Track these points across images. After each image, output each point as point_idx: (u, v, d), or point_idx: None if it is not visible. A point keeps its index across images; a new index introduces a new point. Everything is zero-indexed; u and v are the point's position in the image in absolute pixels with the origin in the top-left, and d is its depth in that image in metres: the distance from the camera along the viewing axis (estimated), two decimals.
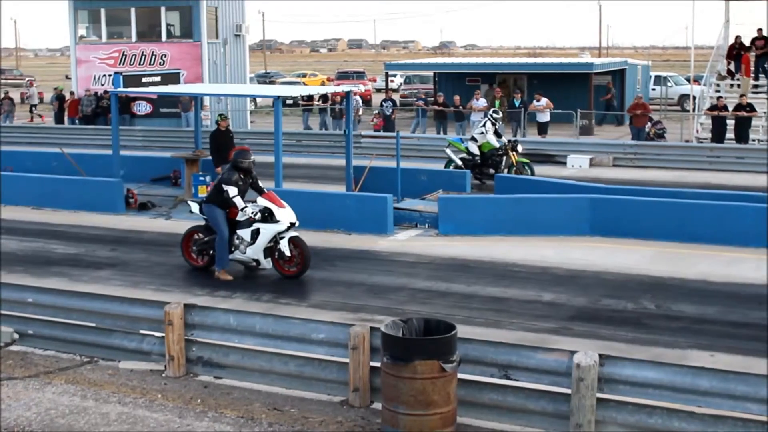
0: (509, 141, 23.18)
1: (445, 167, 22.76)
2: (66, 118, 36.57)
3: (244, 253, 14.14)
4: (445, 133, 31.48)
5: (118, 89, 21.56)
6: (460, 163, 22.57)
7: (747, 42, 30.88)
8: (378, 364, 8.56)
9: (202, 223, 14.63)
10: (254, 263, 14.26)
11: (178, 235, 15.55)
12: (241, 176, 14.10)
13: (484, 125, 23.18)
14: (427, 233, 17.31)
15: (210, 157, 20.89)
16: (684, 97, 42.16)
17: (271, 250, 14.09)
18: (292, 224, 14.02)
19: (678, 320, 11.96)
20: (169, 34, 35.94)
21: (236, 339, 9.77)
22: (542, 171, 23.17)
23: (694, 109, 32.87)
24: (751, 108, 27.87)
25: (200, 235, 14.62)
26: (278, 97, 19.35)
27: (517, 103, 32.21)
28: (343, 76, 61.18)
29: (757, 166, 24.65)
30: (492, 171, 22.18)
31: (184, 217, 18.19)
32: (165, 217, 19.17)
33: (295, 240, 14.07)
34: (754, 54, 30.59)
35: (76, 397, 9.31)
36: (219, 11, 36.51)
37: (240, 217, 14.08)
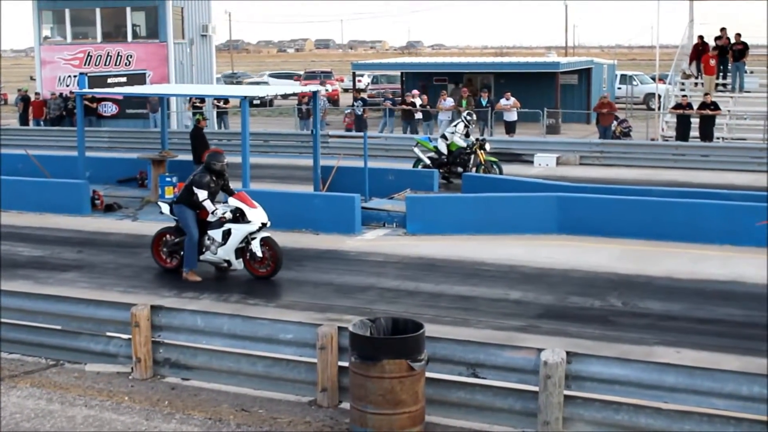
0: (477, 140, 23.24)
1: (414, 166, 22.77)
2: (31, 120, 36.23)
3: (216, 253, 14.05)
4: (413, 132, 31.49)
5: (84, 90, 21.40)
6: (428, 162, 22.60)
7: (711, 41, 31.15)
8: (346, 364, 8.54)
9: (173, 224, 14.52)
10: (225, 264, 14.18)
11: (145, 237, 15.44)
12: (213, 178, 14.05)
13: (456, 125, 23.27)
14: (395, 232, 17.32)
15: (176, 158, 20.82)
16: (649, 96, 42.44)
17: (242, 250, 14.01)
18: (264, 224, 13.96)
19: (644, 317, 12.05)
20: (135, 35, 35.74)
21: (204, 340, 9.72)
22: (509, 170, 23.24)
23: (659, 108, 33.10)
24: (715, 106, 28.13)
25: (171, 236, 14.52)
26: (245, 97, 19.27)
27: (484, 102, 32.28)
28: (310, 76, 61.09)
29: (722, 164, 25.00)
30: (460, 170, 22.23)
31: (150, 218, 18.10)
32: (131, 219, 19.04)
33: (267, 240, 14.01)
34: (715, 52, 30.82)
35: (42, 401, 9.22)
36: (185, 11, 36.35)
37: (211, 218, 14.01)
